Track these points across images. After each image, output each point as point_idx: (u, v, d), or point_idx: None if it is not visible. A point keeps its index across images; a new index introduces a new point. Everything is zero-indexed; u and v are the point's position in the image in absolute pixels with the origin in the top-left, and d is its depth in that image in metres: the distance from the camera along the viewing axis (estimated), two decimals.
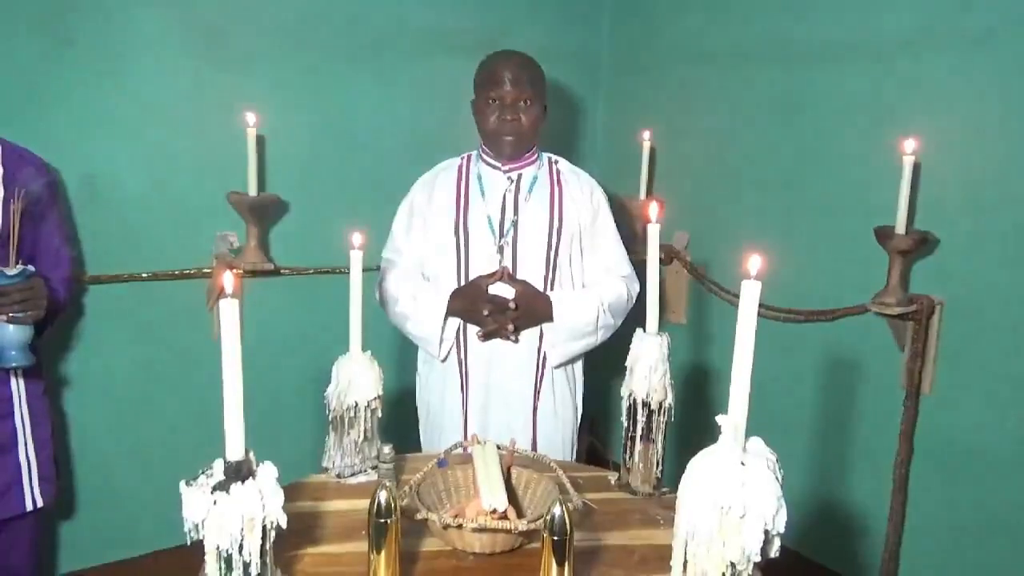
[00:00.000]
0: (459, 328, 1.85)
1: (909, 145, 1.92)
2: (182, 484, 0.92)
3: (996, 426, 1.98)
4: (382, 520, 1.03)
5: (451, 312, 1.82)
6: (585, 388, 2.00)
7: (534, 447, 1.87)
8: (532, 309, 1.80)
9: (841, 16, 2.22)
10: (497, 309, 1.78)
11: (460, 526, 1.15)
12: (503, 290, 1.80)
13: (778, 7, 2.39)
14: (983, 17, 1.92)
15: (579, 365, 1.98)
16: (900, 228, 1.95)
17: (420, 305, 1.84)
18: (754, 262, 0.91)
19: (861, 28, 2.18)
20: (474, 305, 1.79)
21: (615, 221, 1.95)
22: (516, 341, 1.83)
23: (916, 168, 1.95)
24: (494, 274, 1.79)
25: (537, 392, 1.89)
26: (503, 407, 1.88)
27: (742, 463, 0.88)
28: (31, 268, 1.68)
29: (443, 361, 1.88)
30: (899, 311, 1.99)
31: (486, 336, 1.82)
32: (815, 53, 2.29)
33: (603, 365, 2.15)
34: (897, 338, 2.12)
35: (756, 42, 2.46)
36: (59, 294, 1.83)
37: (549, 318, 1.81)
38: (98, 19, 2.11)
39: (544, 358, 1.88)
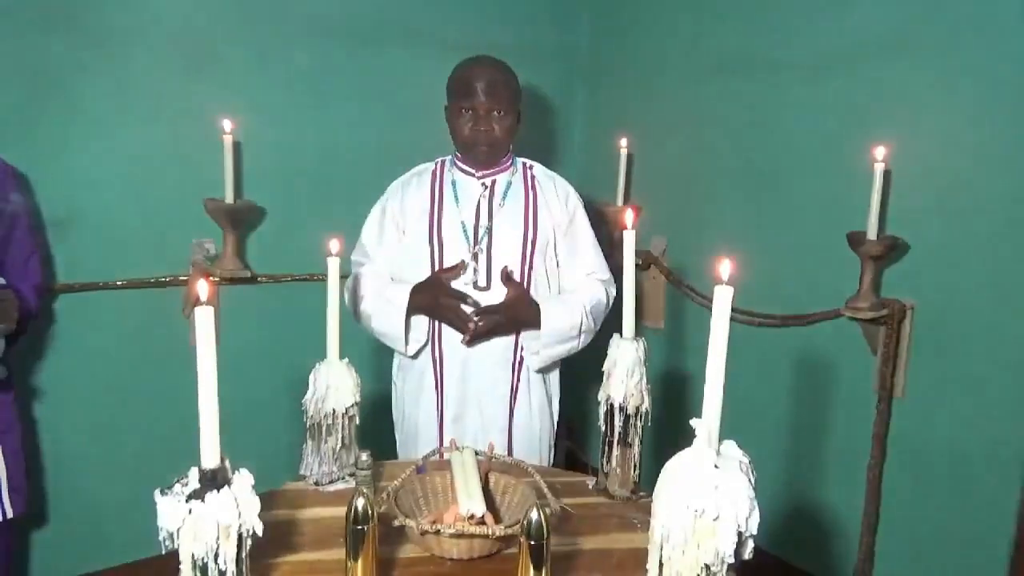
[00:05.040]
0: (434, 334, 1.85)
1: (880, 152, 1.96)
2: (157, 493, 0.91)
3: (967, 428, 2.01)
4: (360, 527, 1.03)
5: (415, 307, 1.80)
6: (562, 393, 2.00)
7: (510, 453, 1.87)
8: (520, 315, 1.79)
9: (814, 26, 2.26)
10: (460, 299, 1.77)
11: (438, 532, 1.15)
12: (485, 296, 1.79)
13: (753, 17, 2.42)
14: (951, 25, 1.97)
15: (555, 374, 1.98)
16: (871, 233, 1.98)
17: (384, 302, 1.81)
18: (725, 267, 0.92)
19: (833, 38, 2.21)
20: (436, 301, 1.77)
21: (592, 225, 1.95)
22: (469, 345, 1.81)
23: (887, 175, 1.98)
24: (455, 267, 1.79)
25: (513, 398, 1.89)
26: (479, 414, 1.87)
27: (716, 466, 0.89)
28: (1, 280, 1.66)
29: (413, 358, 1.86)
30: (871, 315, 2.02)
31: (471, 341, 1.80)
32: (789, 62, 2.32)
33: (580, 370, 2.16)
34: (870, 342, 2.15)
35: (731, 50, 2.49)
36: (29, 303, 1.80)
37: (535, 325, 1.81)
38: (74, 27, 2.09)
39: (520, 364, 1.88)
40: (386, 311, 1.81)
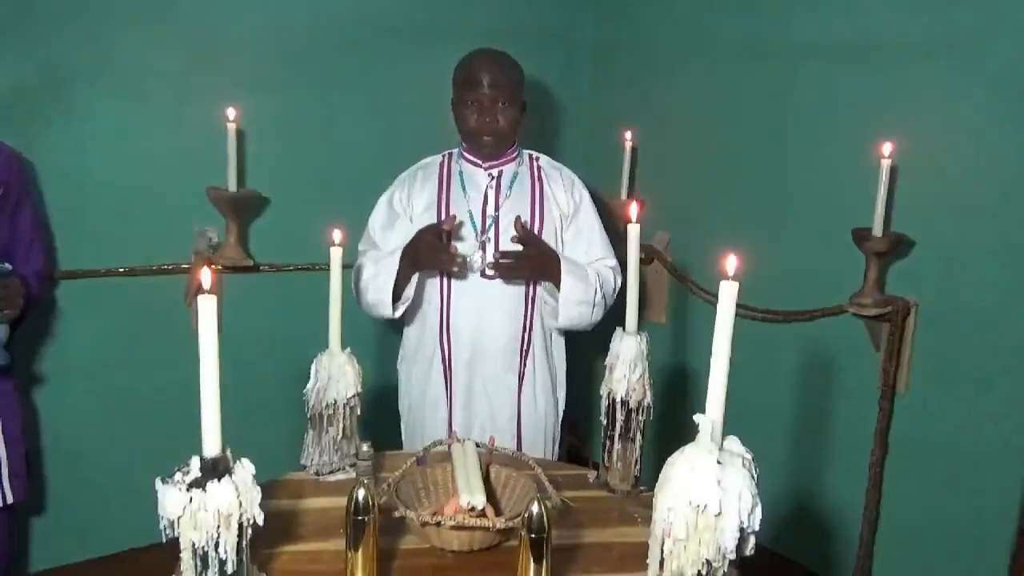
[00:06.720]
0: (442, 324, 1.85)
1: (886, 148, 1.95)
2: (158, 481, 0.91)
3: (969, 426, 2.01)
4: (360, 518, 1.03)
5: (410, 264, 1.77)
6: (565, 385, 2.00)
7: (518, 444, 1.88)
8: (543, 261, 1.77)
9: (823, 19, 2.24)
10: (437, 234, 1.74)
11: (438, 524, 1.15)
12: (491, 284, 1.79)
13: (760, 9, 2.40)
14: (961, 23, 1.95)
15: (560, 361, 1.99)
16: (877, 230, 1.97)
17: (377, 268, 1.80)
18: (731, 262, 0.92)
19: (842, 32, 2.20)
20: (416, 244, 1.74)
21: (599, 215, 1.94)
22: (492, 278, 1.80)
23: (893, 171, 1.97)
24: (445, 220, 1.77)
25: (520, 388, 1.89)
26: (486, 403, 1.88)
27: (718, 461, 0.89)
28: (8, 265, 1.65)
29: (397, 316, 1.83)
30: (875, 312, 2.01)
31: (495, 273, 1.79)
32: (797, 55, 2.31)
33: (583, 364, 2.16)
34: (873, 339, 2.14)
35: (738, 43, 2.47)
36: (32, 289, 1.80)
37: (556, 276, 1.77)
38: (79, 14, 2.08)
39: (528, 350, 1.88)
40: (378, 275, 1.79)
